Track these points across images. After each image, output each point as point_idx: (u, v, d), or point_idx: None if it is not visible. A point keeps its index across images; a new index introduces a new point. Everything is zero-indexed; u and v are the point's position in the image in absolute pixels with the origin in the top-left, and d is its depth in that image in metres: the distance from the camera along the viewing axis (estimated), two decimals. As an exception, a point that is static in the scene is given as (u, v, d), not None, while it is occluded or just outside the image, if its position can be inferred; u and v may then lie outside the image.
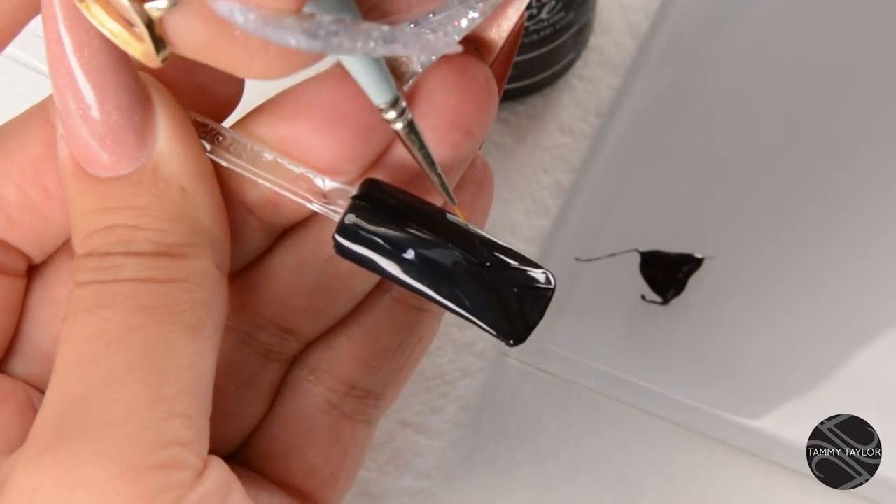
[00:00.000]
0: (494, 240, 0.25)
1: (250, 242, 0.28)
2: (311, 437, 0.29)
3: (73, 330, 0.23)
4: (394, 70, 0.26)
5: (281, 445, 0.29)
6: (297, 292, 0.28)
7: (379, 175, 0.27)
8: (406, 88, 0.26)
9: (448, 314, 0.26)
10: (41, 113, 0.25)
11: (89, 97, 0.23)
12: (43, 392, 0.27)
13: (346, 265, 0.25)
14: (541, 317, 0.25)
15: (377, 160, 0.27)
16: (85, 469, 0.21)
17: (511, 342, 0.25)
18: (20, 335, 0.27)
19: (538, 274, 0.25)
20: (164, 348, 0.23)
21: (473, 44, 0.27)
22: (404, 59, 0.26)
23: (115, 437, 0.22)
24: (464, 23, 0.24)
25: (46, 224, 0.26)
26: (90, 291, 0.23)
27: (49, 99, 0.25)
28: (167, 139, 0.24)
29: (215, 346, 0.24)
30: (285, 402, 0.30)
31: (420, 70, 0.26)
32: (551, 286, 0.25)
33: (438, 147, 0.26)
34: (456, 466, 0.41)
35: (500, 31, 0.26)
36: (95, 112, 0.23)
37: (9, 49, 0.25)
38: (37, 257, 0.27)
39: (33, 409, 0.26)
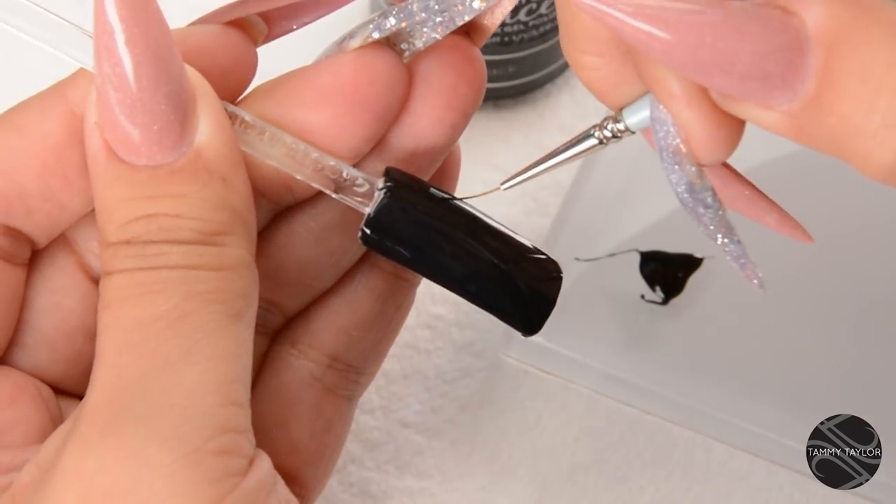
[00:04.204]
0: (506, 231, 0.26)
1: (258, 223, 0.27)
2: (295, 411, 0.29)
3: (122, 315, 0.23)
4: (394, 46, 0.26)
5: (265, 421, 0.29)
6: (285, 266, 0.28)
7: (385, 157, 0.27)
8: (405, 60, 0.27)
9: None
10: (59, 98, 0.25)
11: (140, 87, 0.23)
12: (46, 383, 0.27)
13: (337, 240, 0.25)
14: (553, 305, 0.26)
15: (380, 141, 0.27)
16: (150, 450, 0.21)
17: (528, 332, 0.26)
18: (21, 325, 0.27)
19: (547, 263, 0.26)
20: (215, 334, 0.23)
21: (465, 28, 0.27)
22: (407, 35, 0.26)
23: (179, 421, 0.22)
24: (476, 4, 0.25)
25: (61, 212, 0.26)
26: (134, 278, 0.23)
27: (66, 83, 0.25)
28: (209, 128, 0.24)
29: (252, 335, 0.24)
30: (268, 378, 0.30)
31: (422, 47, 0.26)
32: (560, 274, 0.26)
33: (436, 127, 0.26)
34: (456, 466, 0.41)
35: (494, 18, 0.27)
36: (145, 101, 0.23)
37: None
38: (42, 244, 0.26)
39: (43, 401, 0.26)
